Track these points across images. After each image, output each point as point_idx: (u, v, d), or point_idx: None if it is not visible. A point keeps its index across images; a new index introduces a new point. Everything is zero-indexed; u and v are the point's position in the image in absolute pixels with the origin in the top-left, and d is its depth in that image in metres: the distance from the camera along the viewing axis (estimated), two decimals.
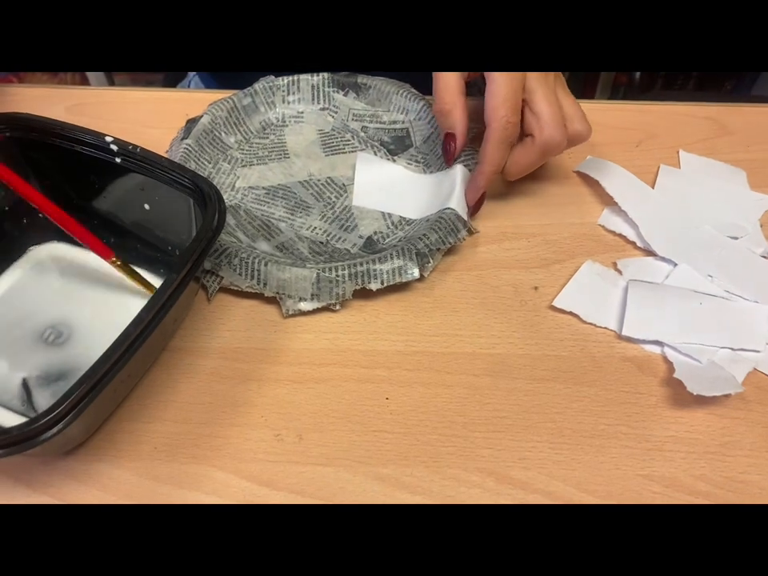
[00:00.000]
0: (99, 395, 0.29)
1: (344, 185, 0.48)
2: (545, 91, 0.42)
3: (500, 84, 0.41)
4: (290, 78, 0.52)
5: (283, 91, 0.52)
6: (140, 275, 0.40)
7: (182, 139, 0.48)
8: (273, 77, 0.52)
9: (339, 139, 0.51)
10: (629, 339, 0.40)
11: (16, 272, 0.41)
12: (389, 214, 0.47)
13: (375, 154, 0.50)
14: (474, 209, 0.46)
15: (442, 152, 0.46)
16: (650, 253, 0.45)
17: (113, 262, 0.38)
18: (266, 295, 0.41)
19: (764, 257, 0.44)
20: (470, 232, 0.45)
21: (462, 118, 0.44)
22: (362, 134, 0.52)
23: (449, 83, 0.43)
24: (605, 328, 0.41)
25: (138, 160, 0.38)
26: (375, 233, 0.46)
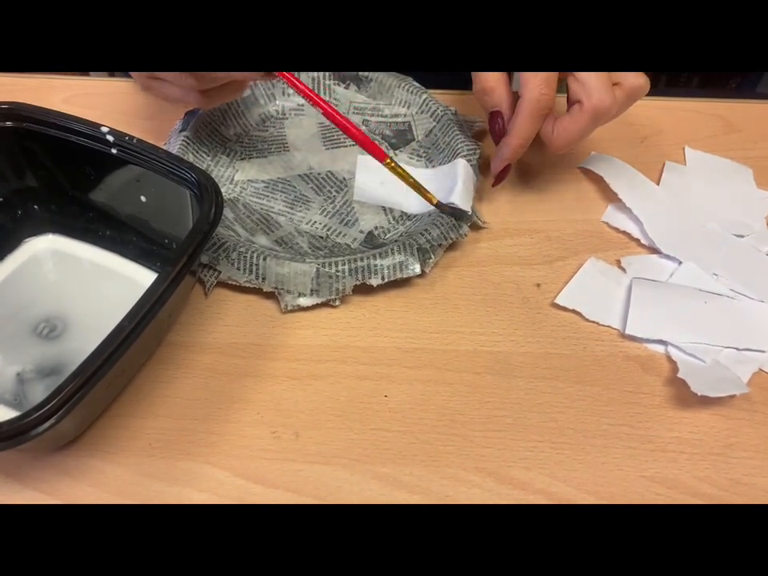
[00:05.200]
0: (92, 390, 0.29)
1: (344, 179, 0.48)
2: None
3: None
4: None
5: (283, 83, 0.51)
6: (416, 181, 0.42)
7: (181, 131, 0.47)
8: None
9: (340, 132, 0.50)
10: (632, 338, 0.40)
11: (10, 264, 0.41)
12: (390, 208, 0.46)
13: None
14: (498, 179, 0.45)
15: (490, 131, 0.44)
16: (654, 250, 0.44)
17: (387, 164, 0.41)
18: (264, 290, 0.40)
19: None
20: (476, 227, 0.45)
21: (507, 94, 0.43)
22: (363, 127, 0.51)
23: None
24: (608, 326, 0.40)
25: (135, 151, 0.37)
26: (376, 228, 0.45)
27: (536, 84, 0.40)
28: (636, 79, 0.42)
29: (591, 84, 0.40)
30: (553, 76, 0.40)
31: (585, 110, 0.41)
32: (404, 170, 0.42)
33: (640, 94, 0.42)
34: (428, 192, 0.42)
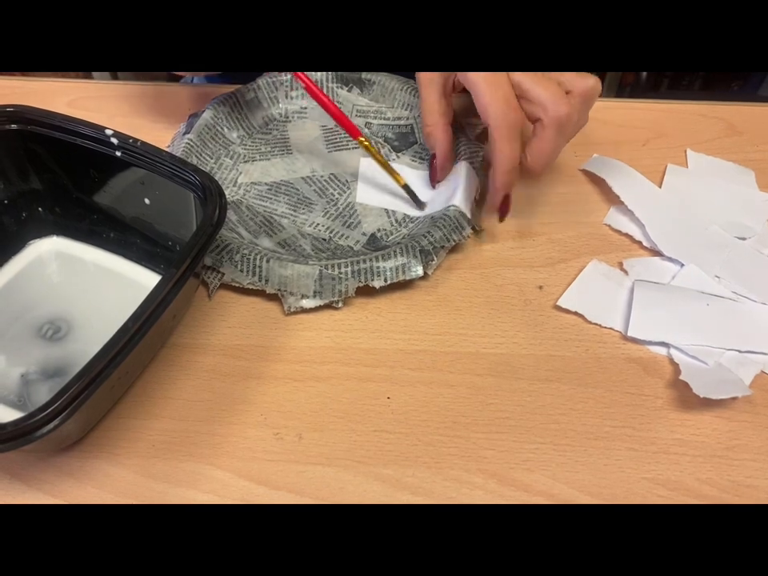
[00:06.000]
0: (96, 391, 0.29)
1: (347, 181, 0.48)
2: (531, 76, 0.40)
3: (482, 85, 0.40)
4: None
5: (286, 86, 0.52)
6: (385, 160, 0.46)
7: (184, 134, 0.48)
8: (276, 72, 0.52)
9: (343, 135, 0.51)
10: (634, 340, 0.40)
11: (15, 266, 0.41)
12: (392, 211, 0.46)
13: (379, 151, 0.50)
14: (502, 212, 0.44)
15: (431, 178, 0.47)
16: (656, 253, 0.44)
17: (360, 142, 0.45)
18: (267, 292, 0.40)
19: None
20: (475, 230, 0.45)
21: (442, 138, 0.44)
22: (366, 130, 0.51)
23: (430, 105, 0.44)
24: (610, 328, 0.40)
25: (139, 154, 0.37)
26: (379, 230, 0.45)
27: (497, 109, 0.40)
28: (584, 81, 0.41)
29: (543, 99, 0.40)
30: (509, 93, 0.40)
31: (547, 126, 0.40)
32: (376, 150, 0.45)
33: (593, 95, 0.42)
34: (398, 174, 0.46)
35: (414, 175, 0.48)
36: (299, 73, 0.44)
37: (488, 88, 0.40)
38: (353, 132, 0.45)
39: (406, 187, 0.46)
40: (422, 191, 0.47)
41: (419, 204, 0.46)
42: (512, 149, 0.40)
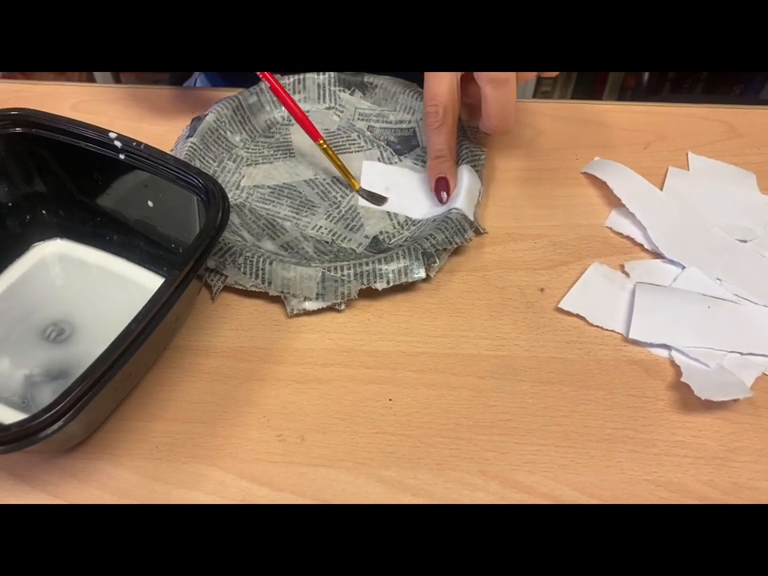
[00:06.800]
0: (99, 393, 0.29)
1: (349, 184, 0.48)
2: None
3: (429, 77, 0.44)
4: (296, 76, 0.52)
5: (289, 90, 0.52)
6: (343, 165, 0.47)
7: (187, 137, 0.48)
8: (278, 75, 0.52)
9: (345, 138, 0.51)
10: (636, 342, 0.40)
11: (19, 269, 0.41)
12: (395, 213, 0.46)
13: (381, 154, 0.50)
14: (438, 196, 0.46)
15: (436, 194, 0.46)
16: (657, 255, 0.44)
17: (320, 145, 0.46)
18: (270, 294, 0.40)
19: None
20: (477, 232, 0.45)
21: (453, 164, 0.46)
22: (368, 133, 0.51)
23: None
24: (612, 331, 0.40)
25: (142, 157, 0.38)
26: (381, 232, 0.45)
27: (425, 105, 0.44)
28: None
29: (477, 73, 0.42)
30: (435, 96, 0.43)
31: (484, 85, 0.42)
32: (334, 153, 0.47)
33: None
34: (353, 177, 0.47)
35: (416, 178, 0.48)
36: (264, 73, 0.45)
37: (424, 92, 0.44)
38: (313, 134, 0.46)
39: (360, 191, 0.47)
40: (425, 194, 0.47)
41: (379, 200, 0.47)
42: (436, 140, 0.45)
